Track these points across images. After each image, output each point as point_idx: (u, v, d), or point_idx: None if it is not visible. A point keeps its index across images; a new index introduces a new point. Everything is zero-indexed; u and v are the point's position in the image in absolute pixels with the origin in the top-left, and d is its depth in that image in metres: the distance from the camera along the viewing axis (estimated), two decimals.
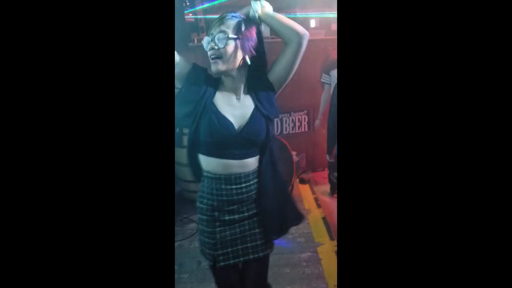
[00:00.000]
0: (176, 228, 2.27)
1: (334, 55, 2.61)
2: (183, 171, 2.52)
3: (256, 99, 0.96)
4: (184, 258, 1.94)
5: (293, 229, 2.20)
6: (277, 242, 1.10)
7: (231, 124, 0.93)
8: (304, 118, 3.12)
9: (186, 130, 2.48)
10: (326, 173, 2.90)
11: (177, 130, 2.48)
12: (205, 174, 0.99)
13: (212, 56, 0.89)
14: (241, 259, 1.00)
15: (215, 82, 0.97)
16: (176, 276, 1.76)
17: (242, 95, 0.97)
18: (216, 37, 0.88)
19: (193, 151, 0.99)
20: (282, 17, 0.94)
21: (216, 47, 0.88)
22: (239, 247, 0.99)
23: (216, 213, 0.98)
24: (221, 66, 0.90)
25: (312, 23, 3.25)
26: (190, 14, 2.90)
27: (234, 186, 0.96)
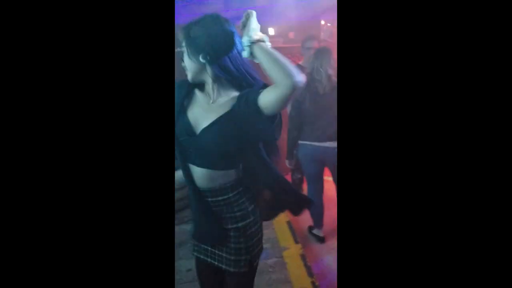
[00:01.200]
0: None
1: (292, 63, 2.63)
2: None
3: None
4: None
5: None
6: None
7: (191, 125, 0.90)
8: None
9: None
10: (289, 177, 2.93)
11: None
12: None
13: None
14: (215, 263, 0.99)
15: (188, 89, 0.94)
16: None
17: (217, 99, 0.91)
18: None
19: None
20: (277, 55, 0.79)
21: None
22: (215, 251, 0.99)
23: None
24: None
25: (270, 31, 3.33)
26: None
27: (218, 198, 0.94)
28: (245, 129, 0.87)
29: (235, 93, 0.91)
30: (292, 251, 2.02)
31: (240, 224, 0.96)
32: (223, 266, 0.98)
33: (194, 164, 0.93)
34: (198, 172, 0.93)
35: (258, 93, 0.82)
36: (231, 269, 0.97)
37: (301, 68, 2.40)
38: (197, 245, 1.03)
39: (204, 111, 0.91)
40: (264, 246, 2.04)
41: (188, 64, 0.90)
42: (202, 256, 1.02)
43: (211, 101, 0.91)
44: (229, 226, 0.96)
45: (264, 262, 1.91)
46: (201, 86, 0.95)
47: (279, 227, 2.30)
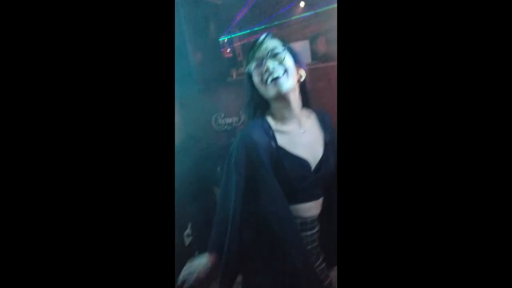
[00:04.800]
0: None
1: None
2: None
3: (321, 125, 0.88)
4: None
5: None
6: None
7: (307, 162, 0.82)
8: None
9: None
10: None
11: (218, 169, 2.32)
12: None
13: (271, 77, 0.80)
14: None
15: (266, 128, 0.84)
16: None
17: (306, 123, 0.85)
18: (268, 56, 0.78)
19: None
20: None
21: (274, 65, 0.79)
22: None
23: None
24: (288, 82, 0.80)
25: None
26: (228, 50, 2.88)
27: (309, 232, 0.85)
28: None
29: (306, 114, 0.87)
30: None
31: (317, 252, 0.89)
32: None
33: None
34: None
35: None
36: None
37: None
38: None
39: (301, 143, 0.83)
40: None
41: (292, 69, 0.82)
42: None
43: (302, 130, 0.84)
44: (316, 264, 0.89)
45: None
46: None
47: None
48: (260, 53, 0.82)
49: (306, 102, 0.89)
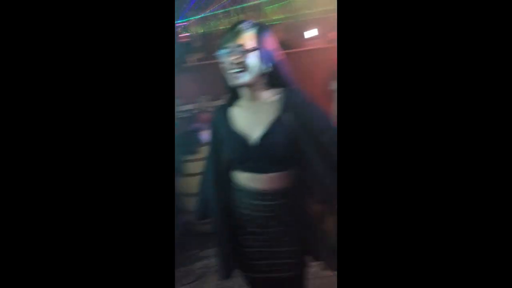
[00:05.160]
0: (186, 268, 2.04)
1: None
2: (190, 202, 2.31)
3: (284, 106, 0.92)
4: None
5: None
6: None
7: (242, 138, 0.92)
8: None
9: (188, 157, 2.31)
10: None
11: (179, 157, 2.29)
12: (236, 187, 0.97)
13: (235, 70, 0.87)
14: (267, 275, 0.96)
15: (225, 111, 0.98)
16: None
17: (262, 102, 0.93)
18: (237, 51, 0.86)
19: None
20: None
21: (238, 60, 0.86)
22: (263, 262, 0.95)
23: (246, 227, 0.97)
24: (247, 78, 0.88)
25: (312, 32, 3.13)
26: (185, 34, 2.79)
27: (265, 203, 0.93)
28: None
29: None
30: None
31: (282, 228, 0.94)
32: (275, 275, 0.95)
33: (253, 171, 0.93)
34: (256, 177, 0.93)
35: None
36: (286, 274, 0.95)
37: None
38: (250, 266, 0.98)
39: (248, 118, 0.93)
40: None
41: (255, 66, 0.88)
42: (259, 275, 0.97)
43: (253, 109, 0.93)
44: (274, 229, 0.94)
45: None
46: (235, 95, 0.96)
47: None
48: (234, 41, 0.86)
49: (275, 84, 0.93)
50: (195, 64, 2.71)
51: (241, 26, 0.88)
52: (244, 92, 0.93)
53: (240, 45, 0.85)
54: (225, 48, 0.87)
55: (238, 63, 0.85)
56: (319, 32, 3.15)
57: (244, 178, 0.94)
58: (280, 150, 0.89)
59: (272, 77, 0.92)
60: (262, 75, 0.90)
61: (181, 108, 2.59)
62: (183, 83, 2.59)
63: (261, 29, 0.90)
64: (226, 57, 0.87)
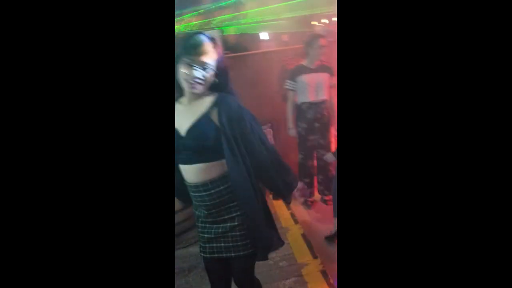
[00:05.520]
0: None
1: (290, 65, 2.59)
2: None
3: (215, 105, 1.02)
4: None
5: (273, 253, 2.05)
6: None
7: (175, 129, 1.01)
8: (269, 131, 3.03)
9: None
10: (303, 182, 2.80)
11: None
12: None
13: (193, 81, 0.97)
14: (223, 255, 1.09)
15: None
16: None
17: (198, 101, 1.03)
18: (200, 67, 0.97)
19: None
20: None
21: (199, 75, 0.97)
22: (222, 244, 1.08)
23: (200, 213, 1.09)
24: (201, 89, 1.00)
25: (263, 36, 3.24)
26: None
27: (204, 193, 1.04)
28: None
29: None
30: (311, 267, 1.86)
31: (232, 215, 1.06)
32: (232, 254, 1.08)
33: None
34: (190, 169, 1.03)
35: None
36: (241, 253, 1.07)
37: (305, 68, 2.41)
38: (204, 247, 1.11)
39: (180, 113, 1.03)
40: (280, 264, 1.92)
41: (210, 79, 1.00)
42: (211, 255, 1.10)
43: (187, 107, 1.03)
44: (233, 215, 1.06)
45: (283, 283, 1.75)
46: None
47: (294, 242, 2.14)
48: (196, 56, 0.96)
49: (215, 88, 1.04)
50: None
51: (199, 39, 0.97)
52: (188, 94, 1.02)
53: (203, 63, 0.96)
54: (189, 61, 0.96)
55: (198, 77, 0.96)
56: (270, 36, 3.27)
57: (182, 170, 1.05)
58: (205, 142, 0.99)
59: (215, 84, 1.03)
60: (210, 84, 1.02)
61: None
62: None
63: (215, 40, 1.01)
64: (187, 68, 0.96)
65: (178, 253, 2.06)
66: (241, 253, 1.08)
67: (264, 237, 1.10)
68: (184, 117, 1.02)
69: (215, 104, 1.01)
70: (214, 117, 1.00)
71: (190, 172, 1.03)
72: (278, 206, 2.69)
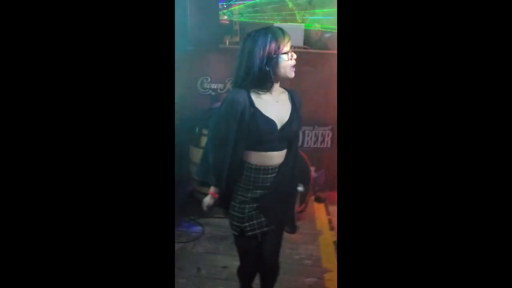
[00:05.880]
0: (181, 229, 2.22)
1: None
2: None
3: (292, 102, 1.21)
4: (184, 263, 1.88)
5: (301, 250, 2.08)
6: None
7: (275, 123, 1.14)
8: (328, 133, 3.00)
9: (206, 131, 2.47)
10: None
11: (196, 130, 2.45)
12: (246, 165, 1.18)
13: (293, 64, 1.13)
14: (264, 229, 1.21)
15: (246, 94, 1.14)
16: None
17: (280, 96, 1.18)
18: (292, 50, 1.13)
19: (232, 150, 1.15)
20: None
21: (294, 57, 1.14)
22: (262, 219, 1.20)
23: (248, 194, 1.19)
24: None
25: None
26: (225, 17, 2.90)
27: (269, 175, 1.18)
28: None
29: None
30: (334, 275, 1.86)
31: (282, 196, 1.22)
32: (267, 228, 1.21)
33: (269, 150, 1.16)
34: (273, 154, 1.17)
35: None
36: (273, 226, 1.22)
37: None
38: (244, 226, 1.21)
39: (274, 109, 1.15)
40: (306, 262, 1.95)
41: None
42: (253, 232, 1.21)
43: (276, 101, 1.16)
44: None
45: (303, 279, 1.79)
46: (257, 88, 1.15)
47: (324, 246, 2.14)
48: (288, 42, 1.12)
49: (282, 83, 1.21)
50: (231, 47, 2.82)
51: (282, 30, 1.12)
52: (269, 83, 1.13)
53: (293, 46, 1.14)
54: (286, 49, 1.10)
55: (294, 60, 1.13)
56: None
57: (257, 157, 1.16)
58: (293, 135, 1.20)
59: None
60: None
61: (208, 85, 2.73)
62: (215, 62, 2.72)
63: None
64: (287, 56, 1.10)
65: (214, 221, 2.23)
66: (273, 226, 1.22)
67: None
68: (275, 110, 1.14)
69: (292, 99, 1.19)
70: (297, 112, 1.18)
71: (270, 158, 1.17)
72: (317, 209, 2.69)
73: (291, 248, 2.01)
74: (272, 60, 1.08)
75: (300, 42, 2.72)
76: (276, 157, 1.17)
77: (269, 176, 1.19)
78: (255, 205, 1.20)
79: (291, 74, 1.14)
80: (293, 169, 1.23)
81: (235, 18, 2.77)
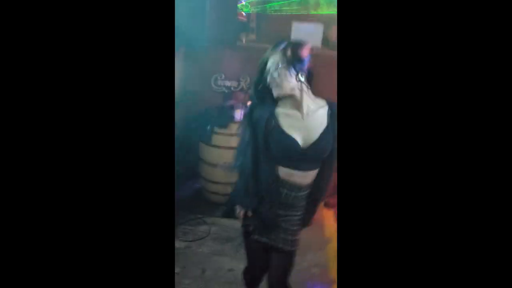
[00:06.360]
0: (188, 227, 2.20)
1: None
2: (209, 171, 2.45)
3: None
4: (188, 262, 1.85)
5: (309, 256, 2.03)
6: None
7: (296, 141, 1.04)
8: None
9: (218, 130, 2.43)
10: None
11: (208, 127, 2.42)
12: (280, 181, 1.10)
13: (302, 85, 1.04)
14: (273, 242, 1.14)
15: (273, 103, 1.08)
16: (176, 280, 1.67)
17: (308, 112, 1.06)
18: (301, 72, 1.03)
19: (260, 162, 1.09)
20: None
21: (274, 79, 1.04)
22: (274, 232, 1.13)
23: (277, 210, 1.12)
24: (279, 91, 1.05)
25: None
26: (243, 14, 2.85)
27: (293, 194, 1.10)
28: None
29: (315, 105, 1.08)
30: None
31: (299, 213, 1.15)
32: (280, 245, 1.14)
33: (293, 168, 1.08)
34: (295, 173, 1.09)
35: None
36: (287, 248, 1.15)
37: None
38: (258, 231, 1.15)
39: (297, 126, 1.05)
40: (313, 270, 1.90)
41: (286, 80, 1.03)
42: (259, 238, 1.16)
43: (303, 116, 1.06)
44: (294, 213, 1.15)
45: None
46: (284, 103, 1.07)
47: (333, 255, 2.09)
48: (283, 59, 1.02)
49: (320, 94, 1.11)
50: (247, 45, 2.77)
51: (300, 44, 1.04)
52: (289, 100, 1.06)
53: (302, 66, 1.04)
54: (282, 62, 1.02)
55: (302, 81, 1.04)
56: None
57: (285, 173, 1.08)
58: (323, 155, 1.08)
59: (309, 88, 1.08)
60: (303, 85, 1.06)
61: (222, 82, 2.69)
62: (229, 60, 2.68)
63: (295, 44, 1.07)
64: (280, 70, 1.02)
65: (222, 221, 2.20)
66: (288, 248, 1.15)
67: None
68: (299, 128, 1.04)
69: (331, 114, 1.07)
70: (331, 130, 1.06)
71: (298, 177, 1.09)
72: (326, 215, 2.63)
73: (298, 255, 1.97)
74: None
75: (318, 42, 2.65)
76: (301, 177, 1.09)
77: (301, 194, 1.12)
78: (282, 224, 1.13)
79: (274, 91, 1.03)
80: (319, 190, 1.15)
81: (253, 10, 2.70)
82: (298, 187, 1.10)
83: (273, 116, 1.05)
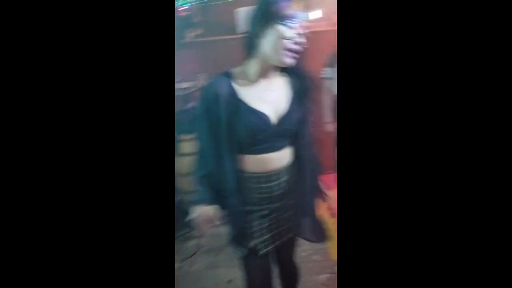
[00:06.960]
0: (176, 246, 2.05)
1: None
2: (183, 181, 2.29)
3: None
4: (184, 284, 1.72)
5: (305, 245, 2.00)
6: None
7: (266, 116, 0.87)
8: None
9: (182, 136, 2.27)
10: (335, 176, 2.67)
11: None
12: (243, 175, 0.92)
13: (291, 47, 0.82)
14: (277, 243, 0.98)
15: (228, 83, 0.87)
16: None
17: (277, 82, 0.91)
18: (302, 18, 0.82)
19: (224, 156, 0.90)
20: None
21: (299, 34, 0.82)
22: (274, 231, 0.97)
23: (254, 208, 0.95)
24: (292, 62, 0.85)
25: (317, 14, 3.02)
26: (183, 8, 2.66)
27: (273, 183, 0.93)
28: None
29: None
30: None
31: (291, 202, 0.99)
32: (284, 239, 0.99)
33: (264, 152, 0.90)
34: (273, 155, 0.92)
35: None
36: (289, 235, 1.00)
37: None
38: (260, 242, 0.96)
39: (265, 98, 0.88)
40: (314, 257, 1.86)
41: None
42: (266, 249, 0.96)
43: (271, 88, 0.88)
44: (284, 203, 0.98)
45: (315, 278, 1.70)
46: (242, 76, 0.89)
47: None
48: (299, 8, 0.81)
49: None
50: (194, 41, 2.61)
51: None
52: (255, 68, 0.87)
53: (306, 12, 0.80)
54: (292, 17, 0.79)
55: (296, 42, 0.81)
56: (323, 14, 3.03)
57: (253, 162, 0.90)
58: (295, 129, 0.92)
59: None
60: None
61: (178, 85, 2.52)
62: (181, 60, 2.50)
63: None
64: (287, 30, 0.80)
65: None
66: (289, 235, 1.02)
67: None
68: (264, 100, 0.87)
69: (293, 82, 0.92)
70: (299, 100, 0.91)
71: (268, 161, 0.90)
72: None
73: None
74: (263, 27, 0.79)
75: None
76: (276, 159, 0.91)
77: (273, 184, 0.93)
78: (265, 224, 0.96)
79: (278, 58, 0.82)
80: (301, 171, 0.97)
81: (191, 2, 2.52)
82: (269, 175, 0.91)
83: (232, 91, 0.86)
